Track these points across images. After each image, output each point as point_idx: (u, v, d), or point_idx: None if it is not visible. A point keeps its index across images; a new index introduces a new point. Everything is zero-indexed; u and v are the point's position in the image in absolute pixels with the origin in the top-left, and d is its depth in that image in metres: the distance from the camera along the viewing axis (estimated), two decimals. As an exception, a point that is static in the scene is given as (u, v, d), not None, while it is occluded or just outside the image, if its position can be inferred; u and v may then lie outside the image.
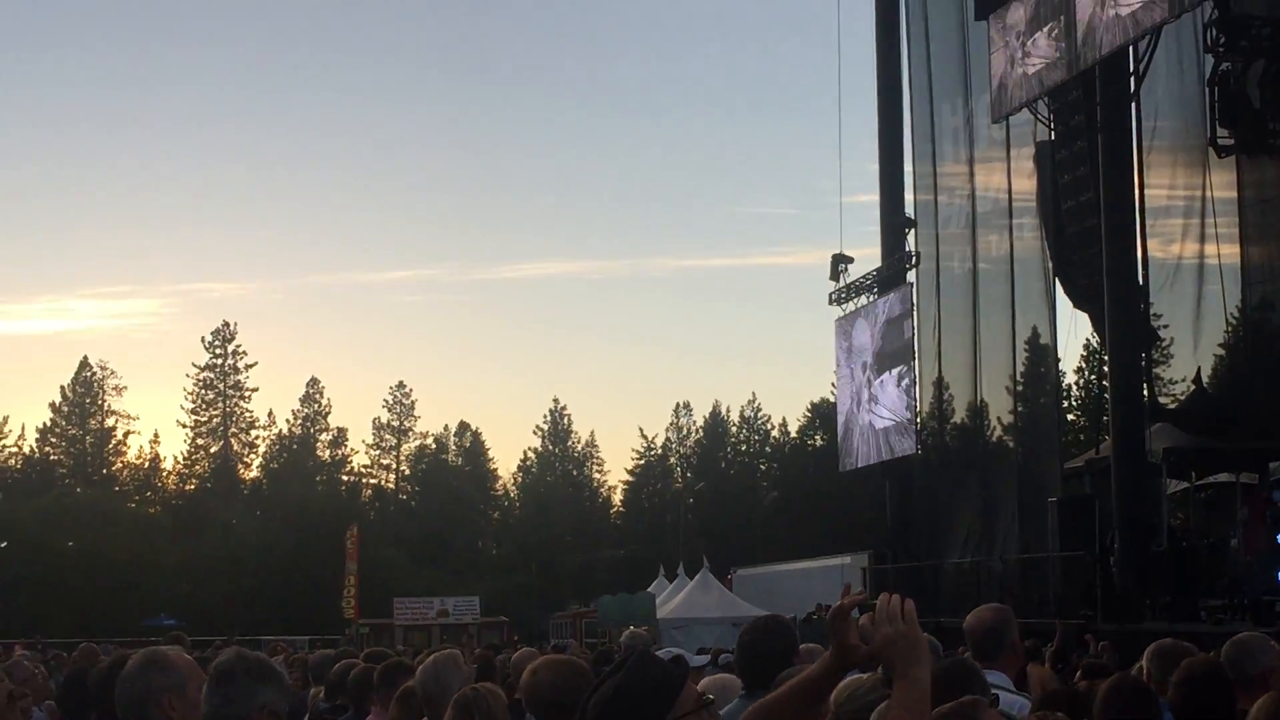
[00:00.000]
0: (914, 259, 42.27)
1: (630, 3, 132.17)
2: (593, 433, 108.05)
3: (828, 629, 4.09)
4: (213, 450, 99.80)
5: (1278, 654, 7.27)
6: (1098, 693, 6.61)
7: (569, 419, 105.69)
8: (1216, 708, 6.44)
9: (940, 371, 41.91)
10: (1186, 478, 33.94)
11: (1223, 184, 33.21)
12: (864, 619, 3.98)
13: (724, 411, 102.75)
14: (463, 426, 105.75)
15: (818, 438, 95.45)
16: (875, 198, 45.50)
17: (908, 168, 43.74)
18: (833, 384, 50.26)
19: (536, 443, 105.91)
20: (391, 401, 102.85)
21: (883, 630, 3.91)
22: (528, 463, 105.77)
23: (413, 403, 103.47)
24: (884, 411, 43.02)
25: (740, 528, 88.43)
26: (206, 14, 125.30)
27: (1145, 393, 32.29)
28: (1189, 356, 34.69)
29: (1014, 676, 7.34)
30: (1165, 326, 35.23)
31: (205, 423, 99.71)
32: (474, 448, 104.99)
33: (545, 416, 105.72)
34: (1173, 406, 34.03)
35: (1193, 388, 34.04)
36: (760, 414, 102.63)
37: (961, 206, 40.40)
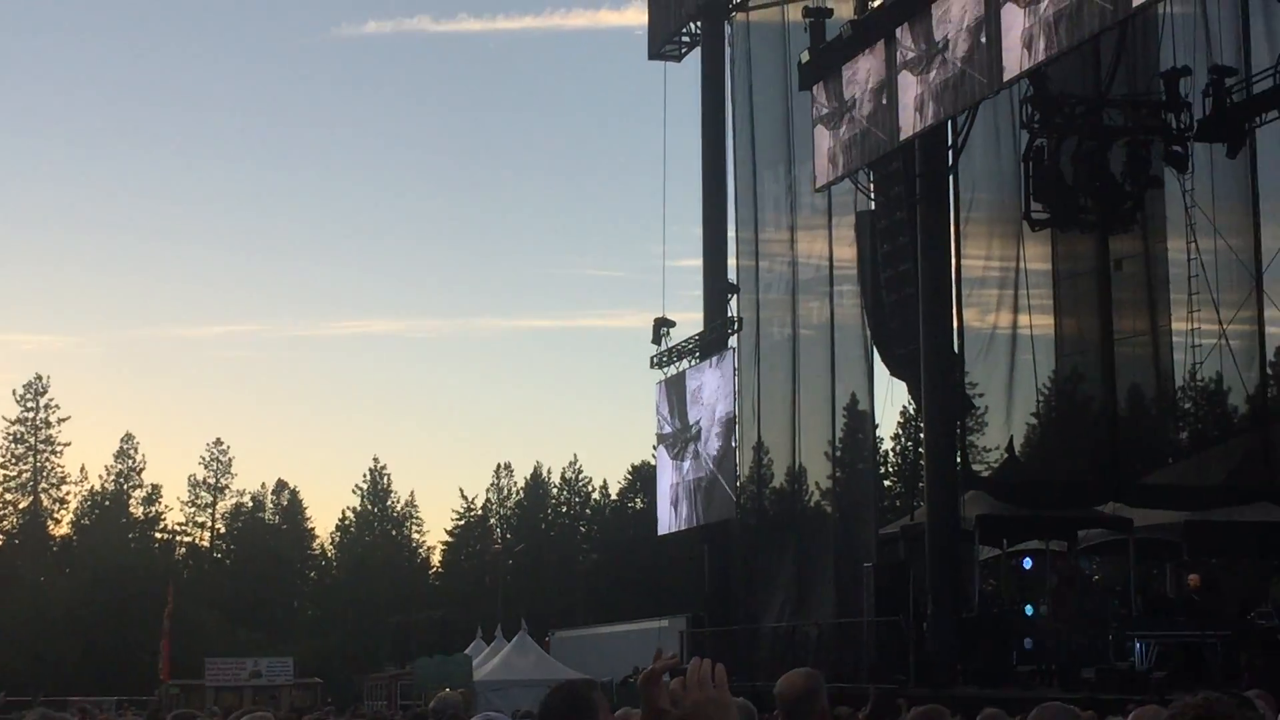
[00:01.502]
0: (736, 324, 42.62)
1: (458, 60, 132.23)
2: (413, 492, 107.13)
3: (639, 693, 4.09)
4: (21, 506, 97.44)
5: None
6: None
7: (389, 478, 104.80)
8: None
9: (760, 436, 42.26)
10: (998, 545, 34.50)
11: (1036, 256, 33.96)
12: (675, 683, 3.98)
13: (545, 473, 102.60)
14: (281, 485, 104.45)
15: (638, 500, 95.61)
16: (699, 262, 45.89)
17: (731, 233, 44.19)
18: (654, 447, 50.38)
19: (355, 502, 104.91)
20: (208, 458, 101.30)
21: (693, 695, 3.91)
22: (346, 522, 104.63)
23: (230, 460, 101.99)
24: (703, 475, 43.22)
25: (559, 590, 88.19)
26: None
27: (959, 460, 32.81)
28: (1002, 425, 35.32)
29: (823, 743, 7.37)
30: (980, 395, 35.85)
31: (14, 477, 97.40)
32: (292, 506, 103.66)
33: (365, 475, 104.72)
34: (986, 474, 34.60)
35: (1005, 456, 34.64)
36: (581, 476, 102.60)
37: (783, 273, 40.88)
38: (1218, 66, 31.61)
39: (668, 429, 46.04)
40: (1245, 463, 32.95)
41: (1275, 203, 33.35)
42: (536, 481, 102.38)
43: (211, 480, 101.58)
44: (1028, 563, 34.46)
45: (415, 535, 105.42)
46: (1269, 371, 36.13)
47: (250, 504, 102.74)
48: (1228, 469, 33.01)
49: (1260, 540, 33.09)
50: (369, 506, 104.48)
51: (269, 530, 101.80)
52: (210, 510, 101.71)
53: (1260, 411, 34.33)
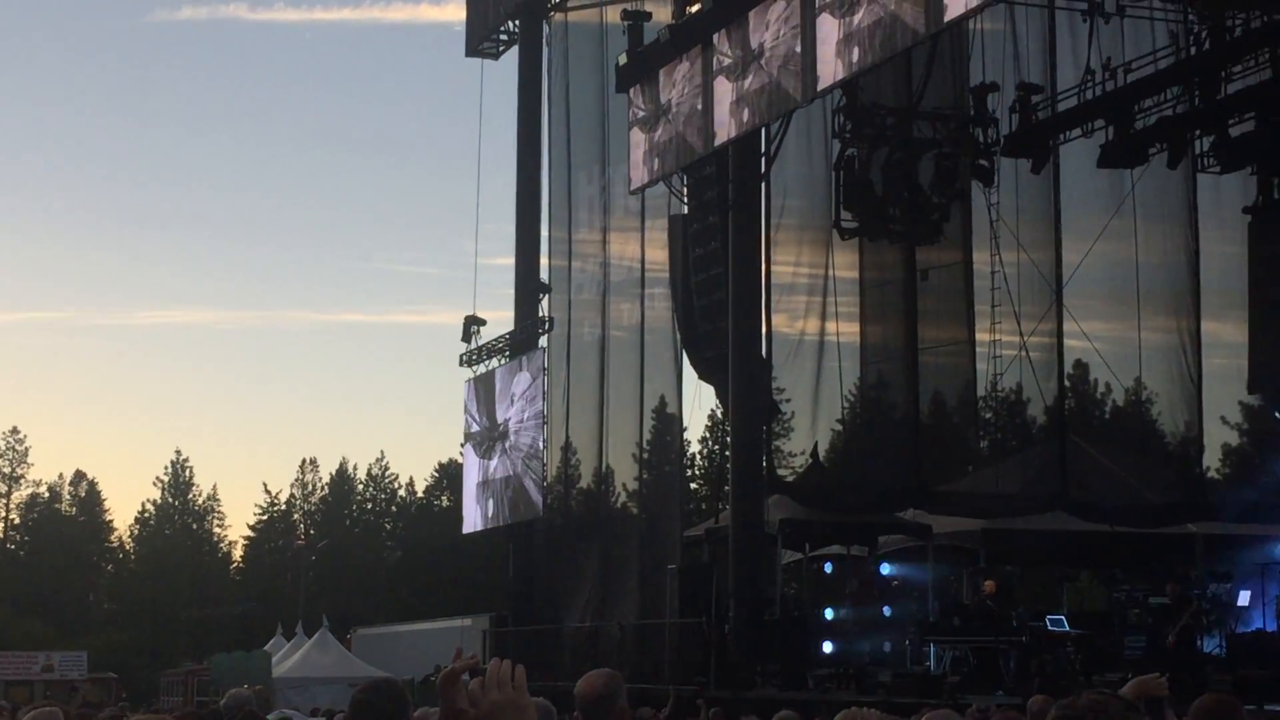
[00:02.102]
0: (547, 324, 42.60)
1: (274, 49, 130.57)
2: (215, 486, 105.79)
3: (438, 692, 4.07)
4: None
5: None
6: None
7: (191, 471, 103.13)
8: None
9: (568, 436, 42.28)
10: (801, 549, 34.93)
11: (845, 264, 34.35)
12: (474, 683, 3.96)
13: (351, 469, 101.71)
14: (79, 476, 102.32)
15: (444, 498, 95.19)
16: (512, 261, 45.80)
17: (544, 233, 44.15)
18: (461, 445, 50.18)
19: (156, 494, 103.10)
20: (3, 448, 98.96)
21: (491, 695, 3.89)
22: (146, 515, 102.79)
23: (26, 449, 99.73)
24: (510, 474, 43.13)
25: (363, 587, 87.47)
26: None
27: (764, 464, 33.11)
28: (807, 430, 35.67)
29: (621, 742, 7.40)
30: (787, 400, 36.18)
31: None
32: (90, 498, 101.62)
33: (166, 468, 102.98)
34: (790, 479, 34.94)
35: (810, 461, 35.00)
36: (388, 473, 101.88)
37: (595, 274, 40.95)
38: (1025, 83, 32.27)
39: (476, 427, 45.88)
40: (1042, 472, 33.68)
41: (1076, 219, 34.12)
42: (342, 477, 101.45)
43: (6, 470, 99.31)
44: (829, 567, 34.98)
45: (217, 529, 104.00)
46: (1066, 384, 36.96)
47: (46, 495, 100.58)
48: (1025, 478, 33.71)
49: (1054, 548, 33.89)
50: (170, 499, 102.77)
51: (65, 522, 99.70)
52: (4, 501, 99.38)
53: (1057, 422, 35.08)
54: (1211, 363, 34.34)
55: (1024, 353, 33.54)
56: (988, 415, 39.39)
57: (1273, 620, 25.53)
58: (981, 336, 33.68)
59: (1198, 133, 31.20)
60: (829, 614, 31.55)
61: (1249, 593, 27.27)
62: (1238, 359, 33.24)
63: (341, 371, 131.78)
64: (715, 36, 28.97)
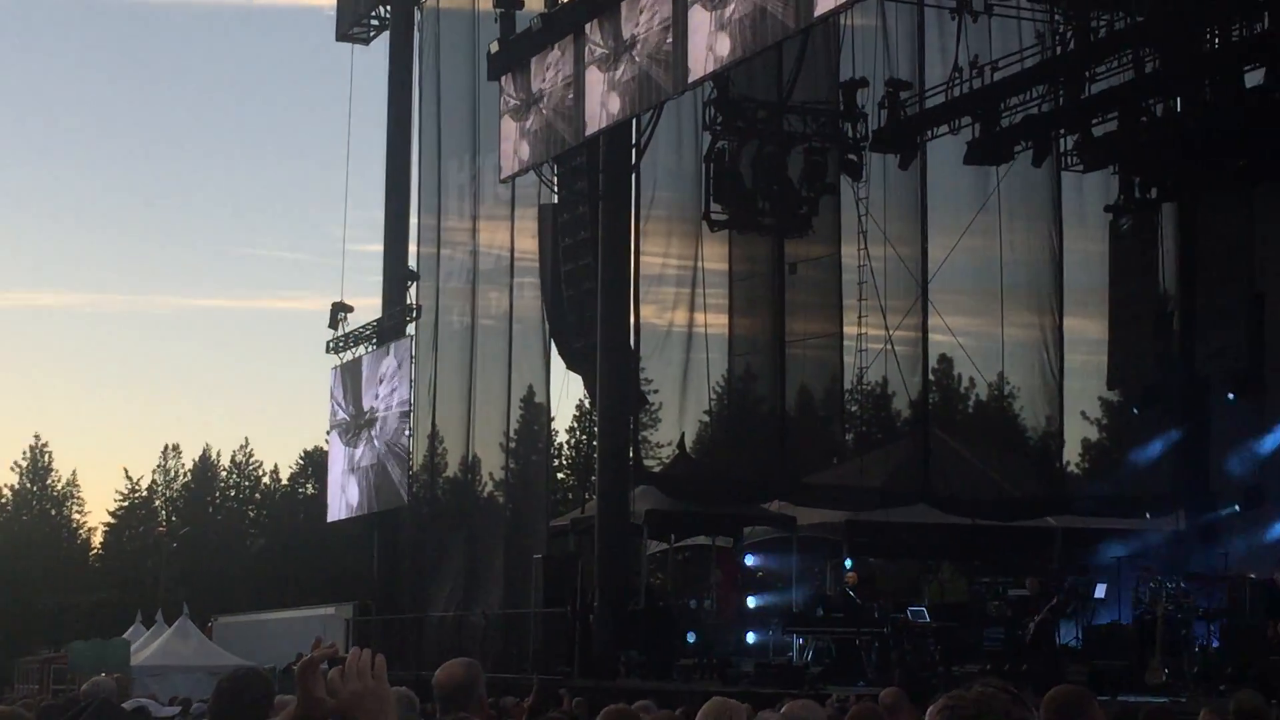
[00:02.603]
0: (415, 311, 42.35)
1: (141, 30, 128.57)
2: (75, 471, 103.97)
3: (295, 682, 4.01)
4: None
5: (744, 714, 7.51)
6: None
7: (50, 456, 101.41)
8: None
9: (435, 425, 42.08)
10: (666, 539, 35.03)
11: (714, 256, 34.48)
12: (333, 673, 3.92)
13: (214, 456, 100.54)
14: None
15: (309, 486, 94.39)
16: (380, 248, 45.48)
17: (413, 220, 43.88)
18: (327, 433, 49.78)
19: (14, 480, 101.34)
20: None
21: (351, 685, 3.86)
22: (3, 500, 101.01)
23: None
24: (376, 463, 42.87)
25: (225, 575, 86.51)
26: None
27: (631, 455, 33.15)
28: (675, 421, 35.79)
29: (480, 730, 7.38)
30: (655, 391, 36.28)
31: None
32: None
33: (24, 453, 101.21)
34: (657, 470, 35.05)
35: (677, 452, 35.13)
36: (252, 460, 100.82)
37: (464, 262, 40.76)
38: (894, 80, 32.57)
39: (342, 415, 45.55)
40: (905, 465, 34.04)
41: (941, 215, 34.48)
42: (205, 464, 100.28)
43: None
44: (694, 557, 35.11)
45: (76, 516, 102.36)
46: (930, 378, 37.34)
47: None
48: (888, 471, 34.04)
49: (916, 540, 34.22)
50: (28, 485, 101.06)
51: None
52: None
53: (921, 416, 35.47)
54: (1073, 359, 34.88)
55: (889, 347, 33.86)
56: (853, 408, 39.65)
57: (1128, 613, 25.94)
58: (848, 330, 33.97)
59: (1062, 131, 31.65)
60: (693, 604, 31.68)
61: (1105, 585, 27.68)
62: (1098, 355, 33.80)
63: (206, 357, 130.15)
64: (588, 26, 28.94)
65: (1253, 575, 24.45)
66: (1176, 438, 32.10)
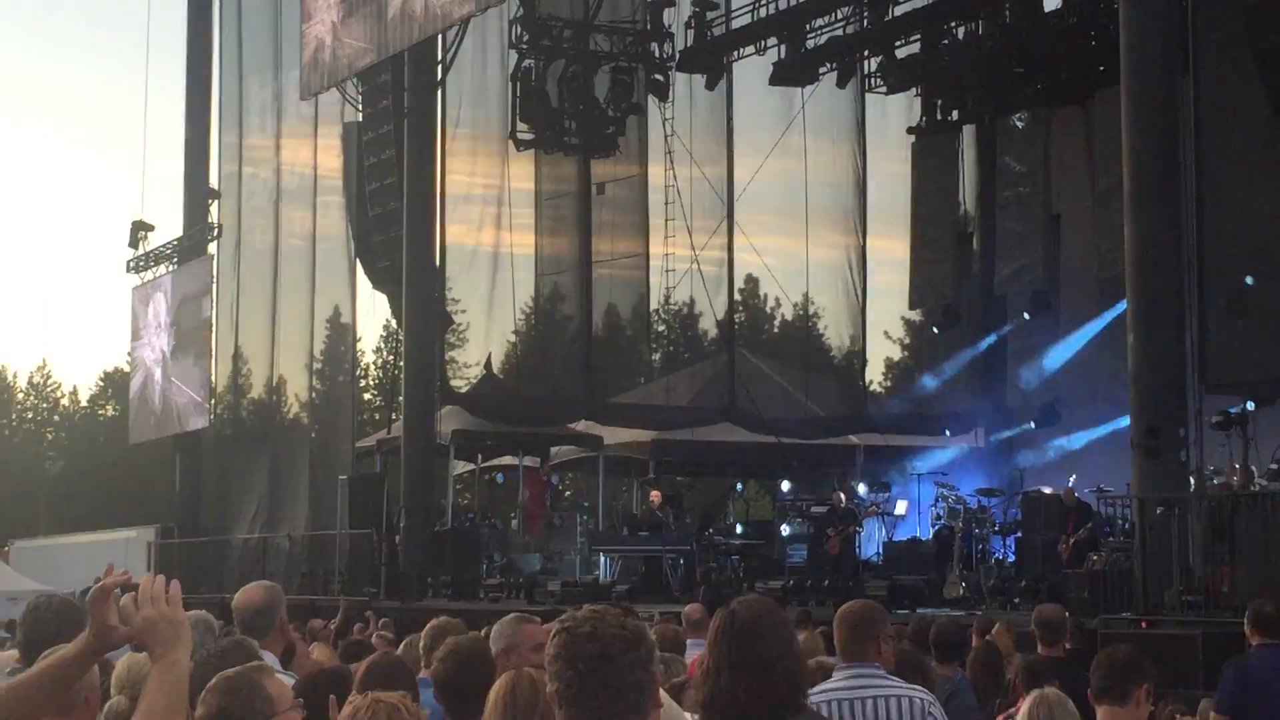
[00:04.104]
0: (217, 230, 41.62)
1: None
2: None
3: (88, 609, 3.96)
4: None
5: (532, 634, 7.52)
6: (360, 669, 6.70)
7: None
8: (479, 683, 6.66)
9: (238, 346, 41.49)
10: (473, 460, 35.00)
11: (521, 176, 34.31)
12: (126, 599, 3.88)
13: (11, 376, 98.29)
14: None
15: (109, 407, 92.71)
16: (180, 166, 44.51)
17: (214, 138, 43.00)
18: (128, 354, 48.85)
19: None
20: None
21: (144, 612, 3.83)
22: None
23: None
24: (179, 384, 42.18)
25: (23, 498, 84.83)
26: None
27: (438, 376, 33.01)
28: (482, 342, 35.72)
29: (280, 654, 7.36)
30: (462, 312, 36.14)
31: None
32: None
33: None
34: (464, 390, 34.95)
35: (484, 373, 35.05)
36: (50, 380, 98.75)
37: (267, 180, 40.09)
38: (700, 0, 32.59)
39: (143, 335, 44.71)
40: (711, 385, 34.32)
41: (747, 136, 34.65)
42: (1, 385, 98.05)
43: None
44: (500, 478, 35.14)
45: None
46: (737, 298, 37.67)
47: None
48: (695, 390, 34.31)
49: (722, 459, 34.62)
50: None
51: None
52: None
53: (727, 336, 35.77)
54: (876, 279, 35.39)
55: (696, 267, 34.03)
56: (660, 328, 39.94)
57: (927, 528, 26.49)
58: (655, 250, 34.10)
59: (866, 53, 31.96)
60: (500, 525, 31.72)
61: (906, 502, 28.23)
62: (900, 276, 34.29)
63: (1, 275, 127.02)
64: (392, -60, 28.52)
65: (1047, 490, 25.07)
66: (975, 356, 32.73)
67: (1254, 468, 19.72)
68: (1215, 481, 19.82)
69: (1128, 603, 17.73)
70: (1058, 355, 30.19)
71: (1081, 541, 22.00)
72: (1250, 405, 19.97)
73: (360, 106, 33.20)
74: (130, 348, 46.79)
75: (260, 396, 41.56)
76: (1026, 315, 30.68)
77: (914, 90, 32.93)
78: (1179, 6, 19.32)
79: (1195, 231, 18.96)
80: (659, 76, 33.02)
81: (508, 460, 34.83)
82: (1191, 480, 18.78)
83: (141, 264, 44.53)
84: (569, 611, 3.87)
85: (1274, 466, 19.82)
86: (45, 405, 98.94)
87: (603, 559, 28.77)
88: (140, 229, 44.66)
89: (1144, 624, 16.80)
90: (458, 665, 6.53)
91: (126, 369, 56.80)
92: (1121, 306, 20.79)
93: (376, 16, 29.28)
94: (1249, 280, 19.43)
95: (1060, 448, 29.41)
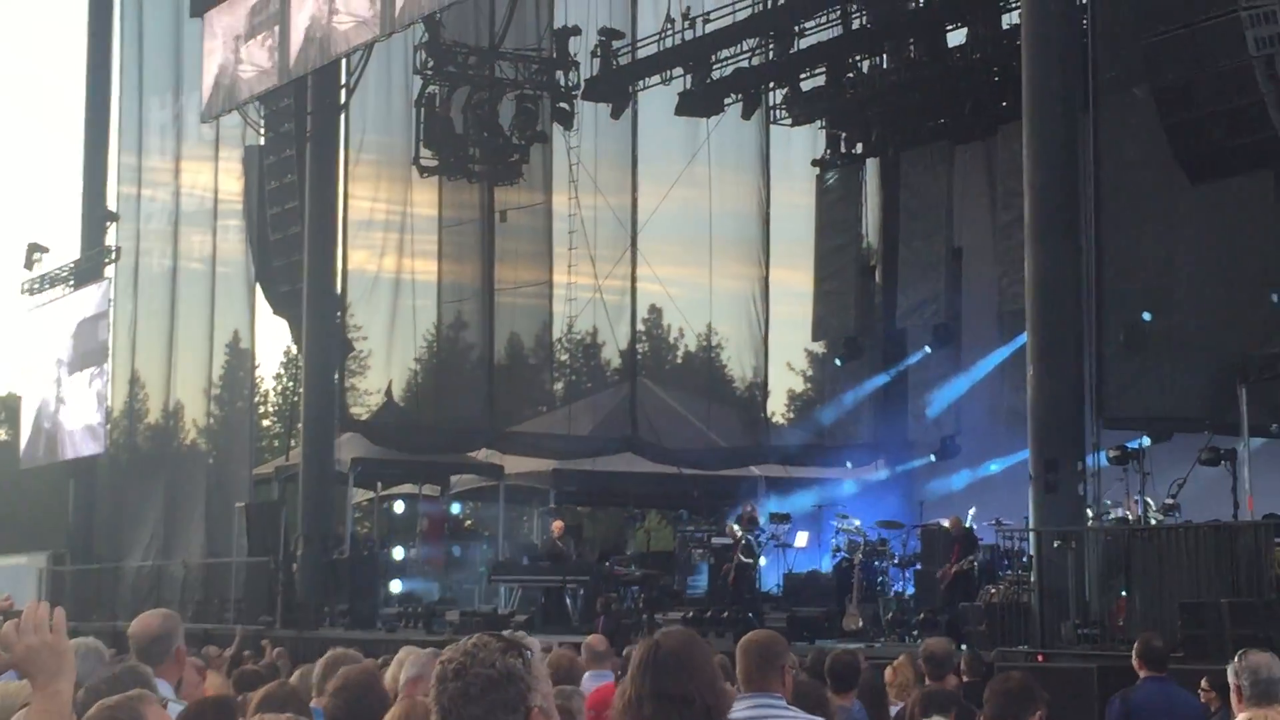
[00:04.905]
0: (114, 253, 41.15)
1: None
2: None
3: (-31, 636, 3.88)
4: None
5: (425, 663, 7.42)
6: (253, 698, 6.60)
7: None
8: (370, 716, 6.59)
9: (135, 370, 41.02)
10: (373, 488, 34.78)
11: (424, 202, 34.18)
12: (8, 626, 3.83)
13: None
14: None
15: (2, 431, 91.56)
16: (78, 187, 44.00)
17: (113, 159, 42.55)
18: (21, 377, 48.22)
19: None
20: None
21: (26, 640, 3.79)
22: None
23: None
24: (74, 408, 41.65)
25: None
26: None
27: (339, 402, 32.77)
28: (383, 369, 35.53)
29: (175, 683, 7.24)
30: (363, 338, 35.95)
31: None
32: None
33: None
34: (364, 417, 34.72)
35: (385, 400, 34.86)
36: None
37: (166, 203, 39.69)
38: (607, 29, 32.71)
39: (37, 358, 44.12)
40: (613, 414, 34.30)
41: (652, 166, 34.72)
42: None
43: None
44: (400, 506, 34.93)
45: None
46: (640, 327, 37.69)
47: None
48: (596, 420, 34.28)
49: (623, 489, 34.60)
50: None
51: None
52: None
53: (630, 366, 35.78)
54: (779, 310, 35.52)
55: (600, 296, 34.04)
56: (563, 357, 39.84)
57: (828, 560, 26.56)
58: (559, 279, 34.10)
59: (771, 85, 32.15)
60: (399, 553, 31.51)
61: (806, 534, 28.30)
62: (804, 307, 34.45)
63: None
64: (290, -37, 28.35)
65: (944, 523, 25.21)
66: (877, 388, 32.90)
67: (1150, 501, 19.88)
68: (1112, 515, 19.96)
69: (1024, 636, 17.81)
70: (958, 388, 30.40)
71: (963, 572, 22.14)
72: (1146, 441, 20.16)
73: (262, 130, 32.95)
74: (22, 371, 46.18)
75: (157, 422, 41.08)
76: (928, 348, 30.89)
77: (818, 123, 33.17)
78: (1080, 44, 19.52)
79: (1095, 267, 19.11)
80: (564, 105, 33.05)
81: (407, 488, 34.63)
82: (1089, 514, 18.90)
83: (36, 286, 43.96)
84: (458, 640, 3.80)
85: (1169, 501, 19.99)
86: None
87: (502, 589, 28.62)
88: (35, 250, 44.08)
89: (1040, 657, 16.89)
90: (347, 700, 6.43)
91: (19, 393, 56.06)
92: (1022, 340, 20.93)
93: (279, 40, 29.06)
94: (1146, 316, 19.64)
95: (961, 480, 29.58)
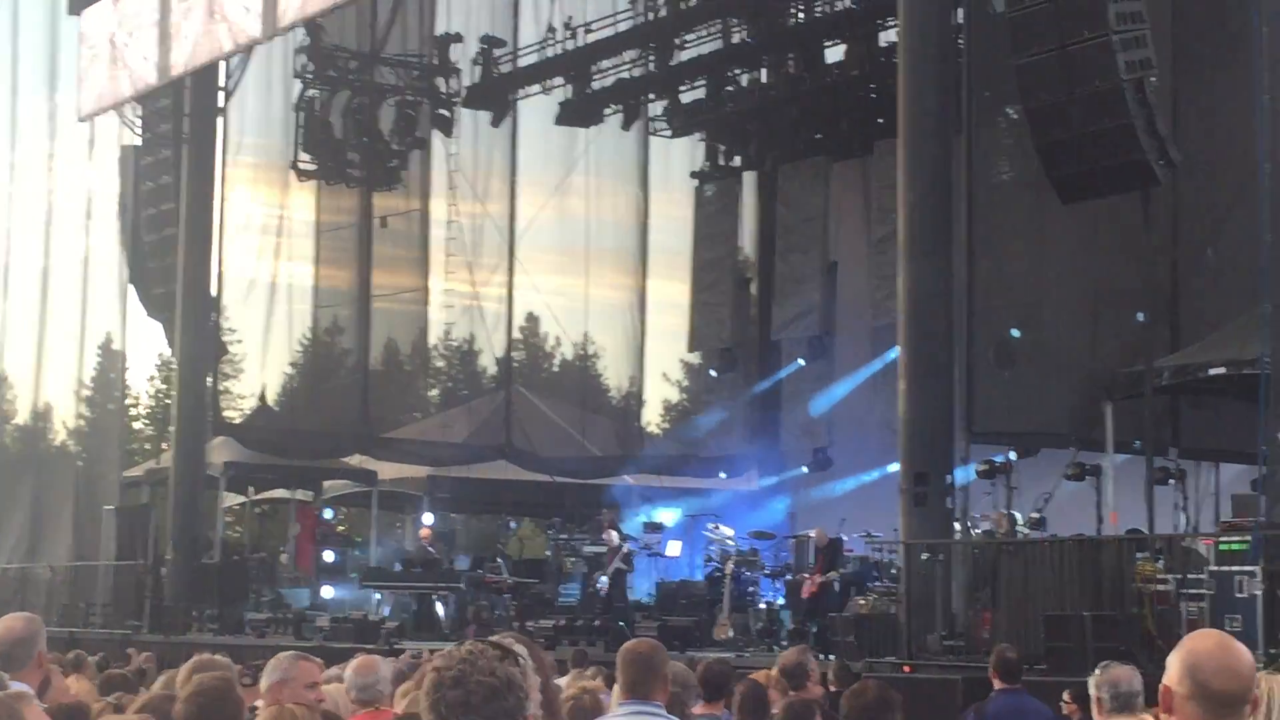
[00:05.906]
0: (-16, 251, 40.47)
1: None
2: None
3: None
4: None
5: (309, 672, 7.43)
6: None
7: None
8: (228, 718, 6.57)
9: (3, 370, 40.40)
10: (245, 492, 34.45)
11: (302, 206, 33.93)
12: None
13: None
14: None
15: None
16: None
17: (-14, 156, 41.78)
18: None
19: None
20: None
21: None
22: None
23: None
24: (-61, 408, 40.95)
25: None
26: None
27: (211, 406, 32.41)
28: (257, 373, 35.21)
29: (37, 687, 7.16)
30: (238, 342, 35.66)
31: None
32: None
33: None
34: (237, 421, 34.38)
35: (258, 404, 34.56)
36: None
37: (39, 200, 39.10)
38: (488, 37, 32.68)
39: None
40: (488, 422, 34.19)
41: (531, 175, 34.72)
42: None
43: None
44: (272, 511, 34.64)
45: None
46: (516, 336, 37.63)
47: None
48: (471, 427, 34.15)
49: (497, 496, 34.50)
50: None
51: None
52: None
53: (505, 374, 35.69)
54: (656, 321, 35.62)
55: (477, 303, 33.97)
56: (439, 364, 39.70)
57: (700, 570, 26.65)
58: (436, 286, 33.95)
59: (651, 96, 32.27)
60: (270, 558, 31.25)
61: (679, 542, 28.37)
62: (680, 318, 34.57)
63: None
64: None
65: (813, 534, 25.37)
66: (751, 400, 33.08)
67: (1017, 515, 20.16)
68: (979, 529, 20.23)
69: (892, 647, 18.00)
70: (831, 400, 30.63)
71: (827, 583, 22.28)
72: (1013, 455, 20.44)
73: (139, 130, 32.56)
74: (-112, 369, 45.26)
75: (25, 422, 40.44)
76: (802, 360, 31.09)
77: (698, 135, 33.34)
78: (956, 64, 19.79)
79: (966, 283, 19.37)
80: (444, 112, 32.97)
81: (280, 493, 34.34)
82: (956, 527, 19.14)
83: (-98, 284, 43.09)
84: (449, 647, 3.74)
85: (1035, 515, 20.30)
86: None
87: (374, 595, 28.47)
88: (-97, 247, 43.25)
89: (907, 668, 17.07)
90: (200, 707, 6.40)
91: (-116, 391, 54.95)
92: (894, 353, 21.16)
93: (158, 40, 28.76)
94: (1015, 333, 19.95)
95: (832, 492, 29.80)
